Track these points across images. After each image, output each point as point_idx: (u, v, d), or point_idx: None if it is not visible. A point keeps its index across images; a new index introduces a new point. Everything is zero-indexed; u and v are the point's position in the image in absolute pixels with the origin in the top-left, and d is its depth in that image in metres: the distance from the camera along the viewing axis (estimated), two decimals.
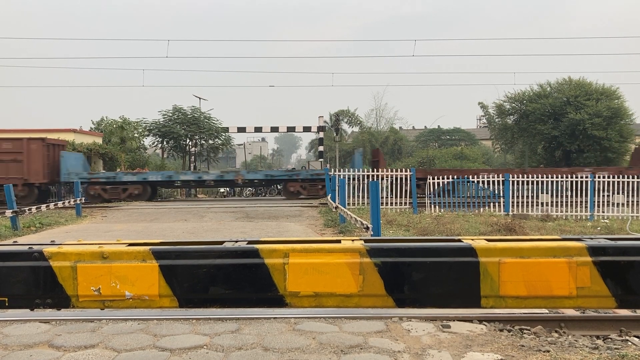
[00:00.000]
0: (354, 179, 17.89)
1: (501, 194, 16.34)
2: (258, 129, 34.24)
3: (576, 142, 29.43)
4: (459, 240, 2.21)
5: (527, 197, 16.32)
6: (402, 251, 2.10)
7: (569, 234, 11.12)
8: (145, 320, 4.71)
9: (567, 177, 16.48)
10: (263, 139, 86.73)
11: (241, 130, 33.57)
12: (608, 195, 16.21)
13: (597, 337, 4.47)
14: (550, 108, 30.77)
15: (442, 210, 16.19)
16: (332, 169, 19.77)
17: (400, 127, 49.69)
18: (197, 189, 30.37)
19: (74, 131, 30.57)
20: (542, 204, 16.25)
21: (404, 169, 18.27)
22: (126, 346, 4.08)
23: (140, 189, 22.46)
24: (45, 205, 14.98)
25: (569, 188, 16.57)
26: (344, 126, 44.92)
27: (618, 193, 16.02)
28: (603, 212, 15.75)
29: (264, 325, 4.54)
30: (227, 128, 32.71)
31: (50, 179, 21.66)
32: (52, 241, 2.34)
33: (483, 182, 16.83)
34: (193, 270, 2.10)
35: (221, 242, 2.27)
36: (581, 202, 15.97)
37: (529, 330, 4.58)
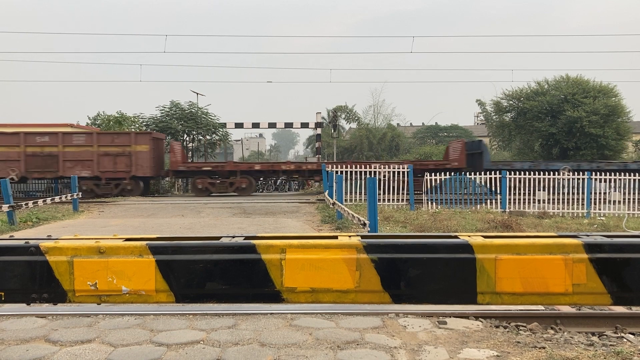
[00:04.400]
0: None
1: (498, 191, 16.37)
2: (256, 125, 34.18)
3: (573, 140, 29.48)
4: (456, 237, 2.21)
5: (524, 194, 16.34)
6: (399, 247, 2.10)
7: (565, 231, 11.15)
8: (142, 315, 4.71)
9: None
10: (261, 135, 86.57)
11: (239, 126, 33.50)
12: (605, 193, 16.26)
13: (593, 334, 4.50)
14: (547, 105, 30.80)
15: (439, 207, 16.21)
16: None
17: (397, 124, 49.70)
18: None
19: (71, 126, 30.45)
20: (538, 201, 16.28)
21: (400, 165, 18.29)
22: (123, 341, 4.08)
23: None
24: (42, 200, 14.95)
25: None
26: (342, 122, 44.90)
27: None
28: (600, 209, 15.79)
29: (261, 320, 4.55)
30: (225, 124, 32.65)
31: None
32: (48, 236, 2.34)
33: (481, 178, 16.85)
34: (190, 266, 2.10)
35: (218, 238, 2.26)
36: (578, 199, 16.01)
37: (525, 326, 4.60)
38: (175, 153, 22.42)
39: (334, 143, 38.49)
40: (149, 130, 30.28)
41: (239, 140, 63.66)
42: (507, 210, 15.56)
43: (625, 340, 4.33)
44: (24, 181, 22.44)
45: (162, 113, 30.71)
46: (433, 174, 16.92)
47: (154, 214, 15.05)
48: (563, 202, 16.05)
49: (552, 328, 4.63)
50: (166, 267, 2.09)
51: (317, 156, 33.32)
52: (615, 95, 30.90)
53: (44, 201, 14.93)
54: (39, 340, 4.11)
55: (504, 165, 21.47)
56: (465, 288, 2.06)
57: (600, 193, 16.30)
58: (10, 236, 3.04)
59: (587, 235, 2.18)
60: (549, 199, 16.29)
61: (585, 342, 4.20)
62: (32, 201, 14.09)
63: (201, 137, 32.40)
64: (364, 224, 7.89)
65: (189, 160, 28.39)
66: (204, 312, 4.74)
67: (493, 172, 16.90)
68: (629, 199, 15.92)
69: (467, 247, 2.06)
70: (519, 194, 16.29)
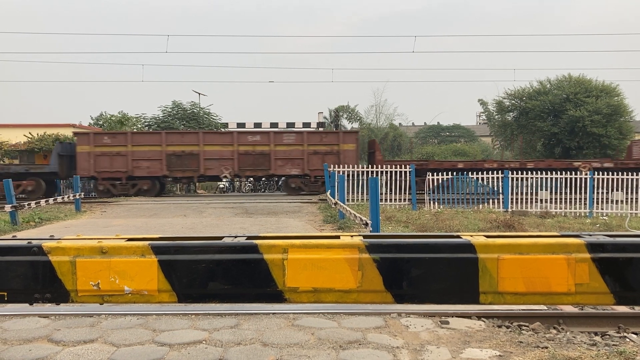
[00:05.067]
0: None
1: (500, 191, 16.35)
2: (257, 125, 34.21)
3: (576, 139, 29.45)
4: (458, 237, 2.21)
5: (526, 193, 16.32)
6: (401, 247, 2.10)
7: (567, 230, 11.13)
8: (145, 315, 4.72)
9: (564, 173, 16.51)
10: None
11: (240, 125, 33.54)
12: (606, 193, 16.23)
13: (596, 334, 4.49)
14: (549, 105, 30.77)
15: (441, 206, 16.20)
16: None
17: (399, 124, 49.58)
18: (197, 185, 30.34)
19: (73, 126, 30.52)
20: (541, 200, 16.26)
21: (403, 165, 18.30)
22: (125, 341, 4.08)
23: None
24: (44, 200, 14.98)
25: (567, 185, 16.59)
26: (344, 122, 44.83)
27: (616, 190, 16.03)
28: (602, 209, 15.76)
29: (263, 320, 4.55)
30: (227, 124, 32.70)
31: None
32: (51, 236, 2.34)
33: (483, 178, 16.83)
34: (192, 266, 2.10)
35: (220, 238, 2.27)
36: (580, 199, 15.98)
37: (527, 326, 4.59)
38: (380, 152, 22.65)
39: None
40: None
41: None
42: (510, 210, 15.54)
43: (628, 340, 4.32)
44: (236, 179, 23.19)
45: (164, 113, 30.77)
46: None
47: (156, 214, 15.07)
48: (565, 202, 16.02)
49: (554, 328, 4.63)
50: (168, 267, 2.09)
51: None
52: (618, 94, 30.87)
53: (46, 201, 14.96)
54: (41, 340, 4.12)
55: None
56: (467, 288, 2.06)
57: None
58: (13, 236, 3.04)
59: (590, 235, 2.18)
60: (551, 199, 16.27)
61: (587, 341, 4.19)
62: (34, 201, 14.12)
63: None
64: (366, 224, 7.88)
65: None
66: (206, 312, 4.74)
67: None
68: (631, 198, 15.89)
69: (470, 247, 2.06)
70: (522, 193, 16.27)
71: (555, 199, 16.20)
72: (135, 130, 24.82)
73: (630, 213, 15.05)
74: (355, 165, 21.49)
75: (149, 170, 21.30)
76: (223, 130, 24.49)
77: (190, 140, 21.69)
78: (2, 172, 20.94)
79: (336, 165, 21.02)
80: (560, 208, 15.76)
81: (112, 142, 21.45)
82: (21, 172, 21.46)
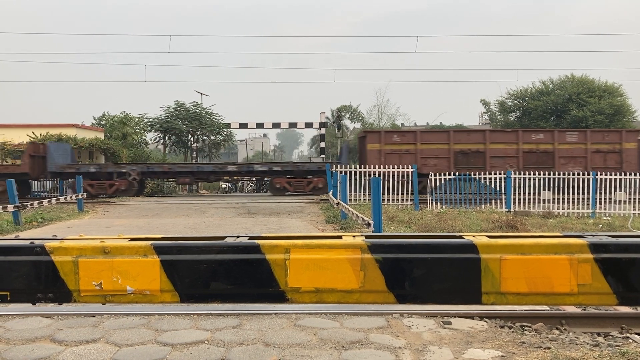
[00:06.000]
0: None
1: (503, 191, 16.33)
2: (260, 125, 34.21)
3: None
4: (461, 237, 2.20)
5: (529, 194, 16.30)
6: (403, 247, 2.10)
7: (570, 231, 11.10)
8: (147, 315, 4.73)
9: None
10: (265, 135, 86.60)
11: (243, 126, 33.56)
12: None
13: (598, 334, 4.48)
14: (552, 105, 30.73)
15: (443, 207, 16.18)
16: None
17: (402, 124, 49.53)
18: (199, 185, 30.37)
19: (76, 126, 30.57)
20: (543, 201, 16.23)
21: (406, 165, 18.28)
22: (127, 341, 4.09)
23: None
24: (47, 200, 15.02)
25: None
26: (346, 122, 44.82)
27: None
28: (605, 209, 15.73)
29: (265, 320, 4.55)
30: (229, 124, 32.72)
31: None
32: (53, 236, 2.34)
33: (485, 178, 16.82)
34: (194, 266, 2.10)
35: (223, 238, 2.27)
36: (583, 199, 15.95)
37: (529, 327, 4.58)
38: None
39: (338, 143, 38.48)
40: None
41: (243, 141, 63.80)
42: (512, 210, 15.52)
43: (630, 340, 4.31)
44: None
45: (167, 113, 30.81)
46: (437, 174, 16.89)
47: (159, 214, 15.09)
48: (568, 202, 15.99)
49: (557, 328, 4.62)
50: (171, 267, 2.09)
51: (321, 156, 33.33)
52: (621, 94, 30.82)
53: (49, 201, 14.99)
54: (44, 340, 4.13)
55: None
56: (469, 288, 2.06)
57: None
58: (16, 236, 3.05)
59: (593, 235, 2.17)
60: (553, 199, 16.24)
61: (590, 342, 4.19)
62: (37, 201, 14.14)
63: (205, 138, 32.47)
64: (368, 224, 7.88)
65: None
66: (209, 312, 4.75)
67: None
68: (634, 198, 15.85)
69: (472, 247, 2.06)
70: (524, 193, 16.24)
71: (558, 199, 16.18)
72: (423, 129, 25.66)
73: (634, 213, 15.02)
74: (637, 164, 20.82)
75: (436, 167, 21.29)
76: (508, 129, 25.04)
77: (477, 138, 21.98)
78: (297, 168, 23.46)
79: (619, 164, 20.44)
80: (563, 208, 15.73)
81: (402, 140, 22.02)
82: (313, 170, 23.25)
